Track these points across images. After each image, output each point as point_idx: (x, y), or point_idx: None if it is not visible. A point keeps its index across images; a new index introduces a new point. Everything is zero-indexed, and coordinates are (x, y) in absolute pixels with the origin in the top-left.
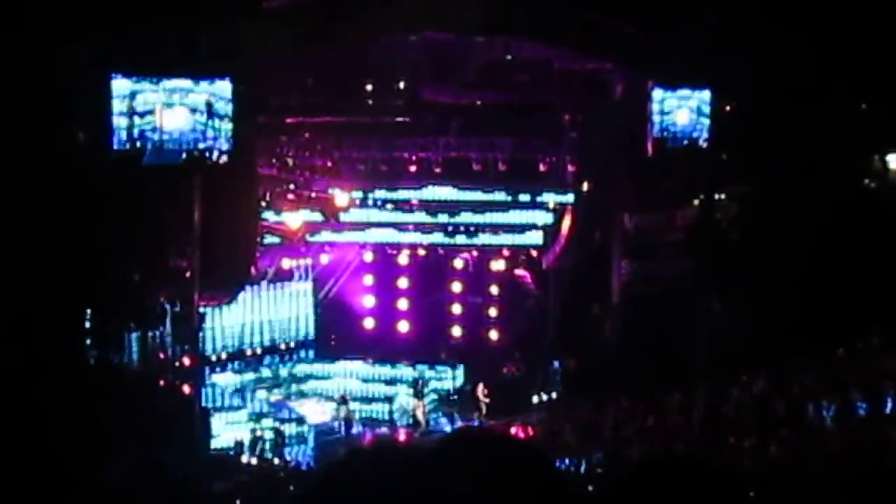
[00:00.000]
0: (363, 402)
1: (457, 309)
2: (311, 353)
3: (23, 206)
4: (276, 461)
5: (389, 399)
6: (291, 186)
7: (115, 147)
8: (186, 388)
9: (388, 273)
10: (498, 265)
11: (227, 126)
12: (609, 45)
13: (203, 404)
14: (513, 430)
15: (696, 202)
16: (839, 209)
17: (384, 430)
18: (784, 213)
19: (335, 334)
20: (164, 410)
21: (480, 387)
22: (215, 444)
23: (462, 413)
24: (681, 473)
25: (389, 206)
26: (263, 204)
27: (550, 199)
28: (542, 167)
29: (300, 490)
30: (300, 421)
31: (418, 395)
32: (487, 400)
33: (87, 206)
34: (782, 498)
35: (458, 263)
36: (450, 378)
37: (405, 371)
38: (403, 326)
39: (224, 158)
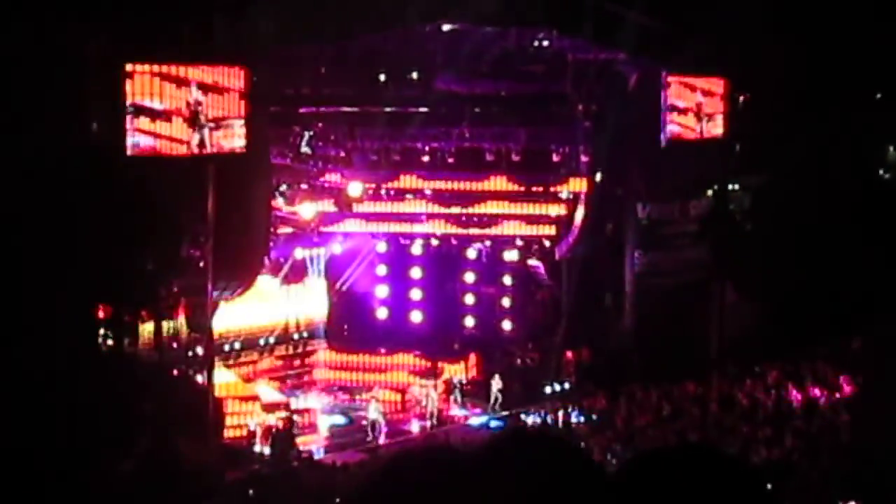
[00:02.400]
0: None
1: (470, 299)
2: (324, 343)
3: (38, 197)
4: (289, 451)
5: (402, 390)
6: (304, 177)
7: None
8: (200, 378)
9: (401, 263)
10: (511, 255)
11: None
12: (623, 35)
13: (216, 394)
14: None
15: (709, 193)
16: (853, 199)
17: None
18: (797, 204)
19: (348, 324)
20: (178, 400)
21: (497, 378)
22: (228, 433)
23: (475, 403)
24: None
25: (405, 195)
26: (277, 194)
27: (564, 189)
28: (555, 157)
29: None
30: (312, 411)
31: (434, 385)
32: (501, 391)
33: (101, 195)
34: (797, 489)
35: (472, 254)
36: (462, 368)
37: (418, 361)
38: (417, 317)
39: (237, 148)
